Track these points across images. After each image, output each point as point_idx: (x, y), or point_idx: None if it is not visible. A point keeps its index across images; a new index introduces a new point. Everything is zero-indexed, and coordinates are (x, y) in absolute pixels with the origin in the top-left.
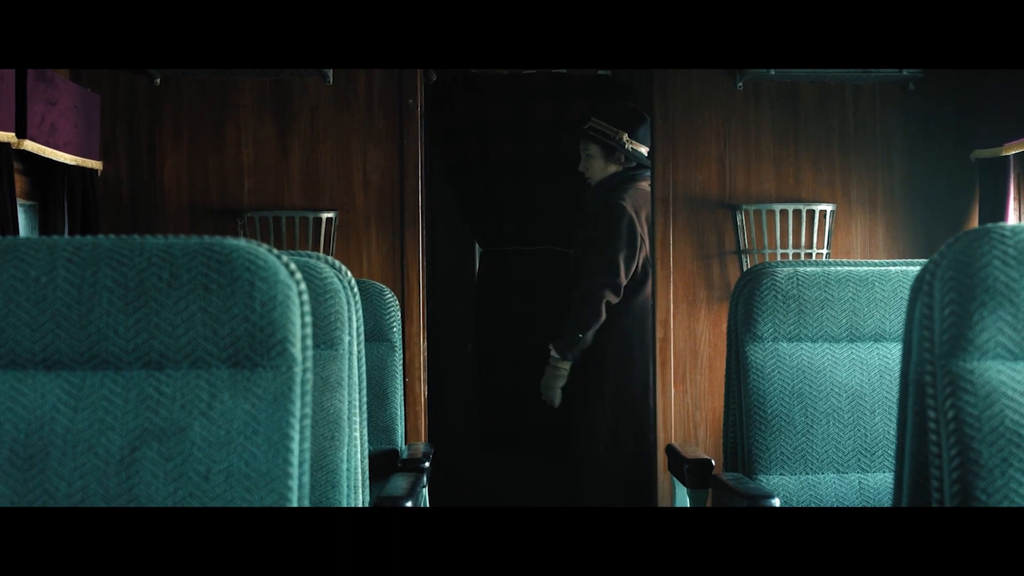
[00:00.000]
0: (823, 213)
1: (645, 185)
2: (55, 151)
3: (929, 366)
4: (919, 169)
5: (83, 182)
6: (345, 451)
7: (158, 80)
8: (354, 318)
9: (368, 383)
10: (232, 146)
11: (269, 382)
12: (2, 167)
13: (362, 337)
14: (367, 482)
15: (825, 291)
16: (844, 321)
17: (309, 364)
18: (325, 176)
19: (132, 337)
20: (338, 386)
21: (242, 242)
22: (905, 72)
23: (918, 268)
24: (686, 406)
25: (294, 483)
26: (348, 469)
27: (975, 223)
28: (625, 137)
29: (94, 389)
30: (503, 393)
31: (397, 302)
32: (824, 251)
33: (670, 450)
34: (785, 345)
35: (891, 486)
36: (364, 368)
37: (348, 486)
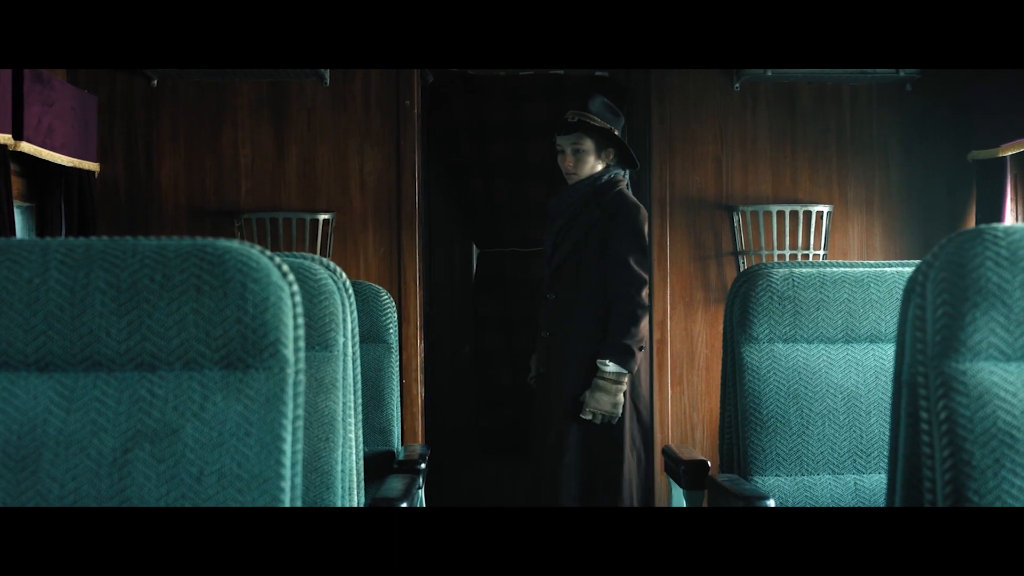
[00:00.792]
0: (820, 214)
1: (625, 182)
2: (52, 153)
3: (922, 367)
4: (916, 170)
5: (80, 184)
6: (340, 452)
7: (155, 82)
8: (348, 319)
9: (364, 385)
10: (229, 148)
11: (261, 383)
12: None
13: (357, 339)
14: (362, 484)
15: (821, 292)
16: (840, 322)
17: (302, 365)
18: (322, 177)
19: (125, 339)
20: (332, 388)
21: (234, 243)
22: (902, 73)
23: (914, 269)
24: (683, 407)
25: (287, 484)
26: (343, 471)
27: (972, 224)
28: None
29: (87, 391)
30: (501, 394)
31: (394, 303)
32: (821, 252)
33: (666, 451)
34: (781, 346)
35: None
36: (359, 370)
37: (343, 488)
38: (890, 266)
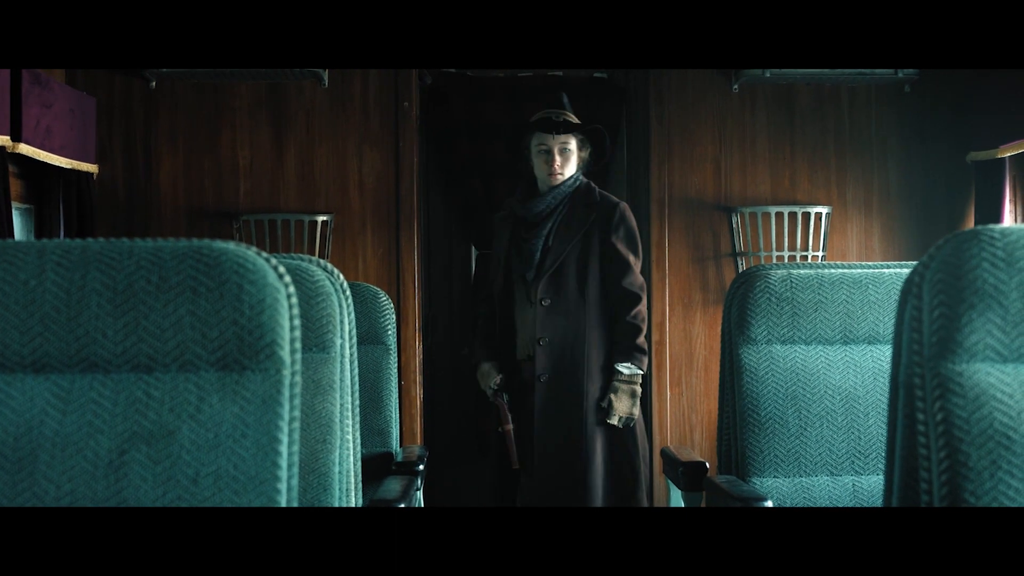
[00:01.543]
0: (819, 215)
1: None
2: (50, 154)
3: (918, 368)
4: (915, 171)
5: (79, 185)
6: (337, 454)
7: (153, 83)
8: (346, 321)
9: (362, 386)
10: (228, 149)
11: (258, 385)
12: None
13: (355, 340)
14: (359, 485)
15: (819, 293)
16: (838, 323)
17: (298, 367)
18: (321, 179)
19: (121, 340)
20: (330, 389)
21: (231, 245)
22: (901, 74)
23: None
24: (682, 409)
25: (283, 486)
26: (340, 472)
27: (971, 225)
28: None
29: (83, 392)
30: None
31: (392, 305)
32: (820, 253)
33: (665, 453)
34: (779, 347)
35: None
36: (356, 371)
37: (340, 489)
38: (888, 267)
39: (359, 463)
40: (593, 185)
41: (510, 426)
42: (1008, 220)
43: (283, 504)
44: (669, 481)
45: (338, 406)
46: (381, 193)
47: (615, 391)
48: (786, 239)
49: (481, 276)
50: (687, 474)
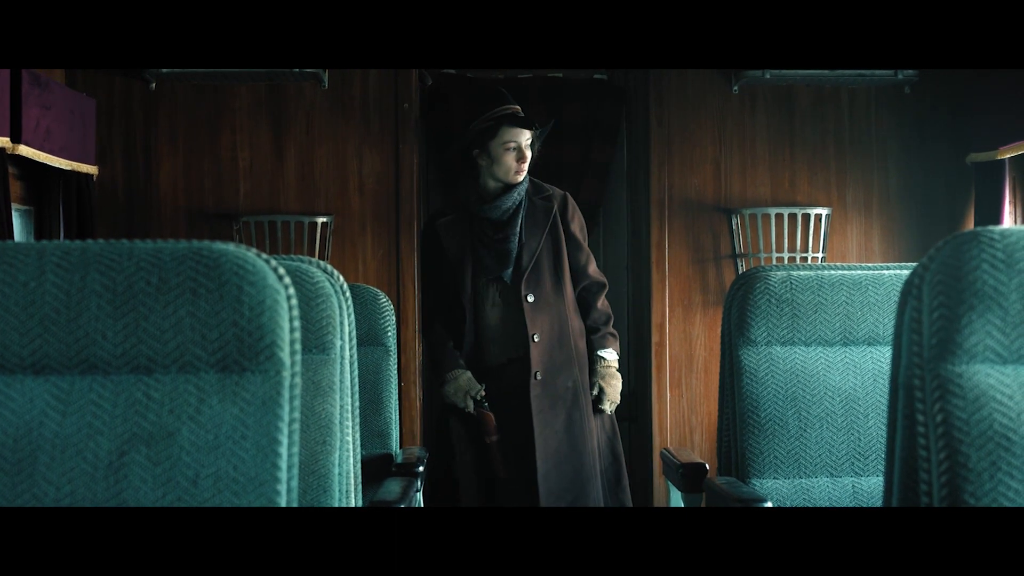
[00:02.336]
0: (819, 217)
1: None
2: (50, 156)
3: (918, 370)
4: (915, 172)
5: (79, 187)
6: (337, 455)
7: (153, 85)
8: (346, 322)
9: (362, 388)
10: (228, 150)
11: (257, 386)
12: None
13: (354, 341)
14: (359, 487)
15: (819, 295)
16: (838, 325)
17: (298, 369)
18: (321, 180)
19: (120, 342)
20: (330, 390)
21: (230, 246)
22: (901, 75)
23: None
24: (682, 410)
25: (283, 487)
26: (340, 473)
27: (971, 226)
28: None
29: (82, 394)
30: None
31: (392, 306)
32: (820, 255)
33: (665, 454)
34: (779, 349)
35: None
36: (356, 372)
37: (340, 491)
38: (888, 269)
39: (359, 465)
40: (538, 184)
41: (496, 437)
42: (1008, 222)
43: (283, 506)
44: (669, 482)
45: (338, 408)
46: (381, 194)
47: (603, 378)
48: (786, 240)
49: (430, 292)
50: (687, 475)
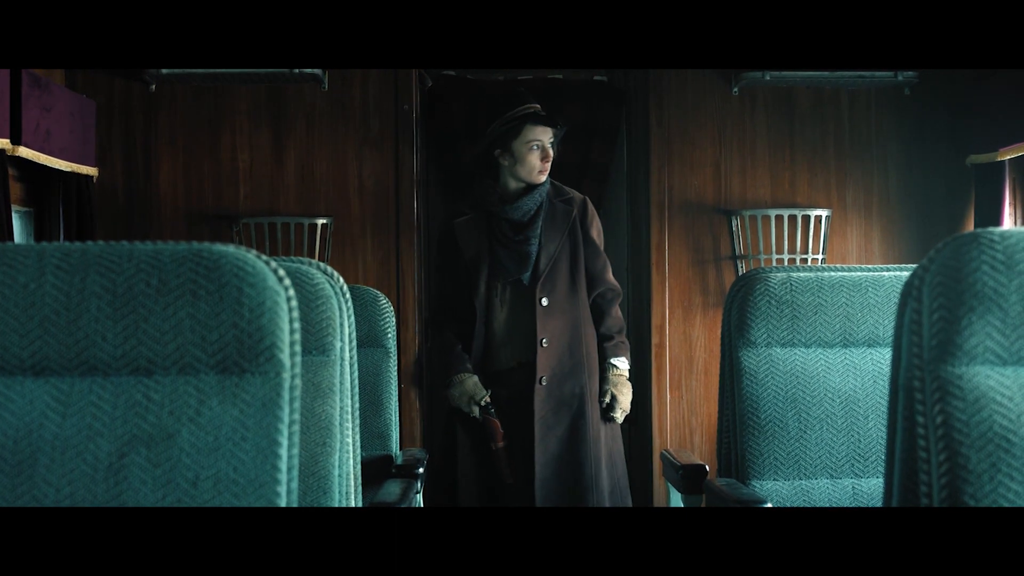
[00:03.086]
0: (819, 218)
1: None
2: (50, 157)
3: (918, 371)
4: (915, 174)
5: (78, 188)
6: (337, 457)
7: (153, 87)
8: (346, 324)
9: (362, 389)
10: (227, 152)
11: (257, 388)
12: None
13: (354, 343)
14: (359, 488)
15: (818, 296)
16: (837, 326)
17: (298, 370)
18: (320, 182)
19: (120, 343)
20: (330, 392)
21: (230, 248)
22: (901, 77)
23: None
24: (682, 411)
25: (282, 489)
26: (340, 475)
27: (971, 228)
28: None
29: (82, 395)
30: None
31: (392, 308)
32: (820, 256)
33: (665, 456)
34: (779, 350)
35: None
36: (356, 374)
37: (340, 492)
38: (888, 270)
39: (359, 466)
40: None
41: (503, 443)
42: (1008, 223)
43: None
44: (669, 484)
45: (338, 409)
46: (381, 196)
47: (615, 386)
48: (786, 242)
49: (442, 292)
50: (687, 477)
